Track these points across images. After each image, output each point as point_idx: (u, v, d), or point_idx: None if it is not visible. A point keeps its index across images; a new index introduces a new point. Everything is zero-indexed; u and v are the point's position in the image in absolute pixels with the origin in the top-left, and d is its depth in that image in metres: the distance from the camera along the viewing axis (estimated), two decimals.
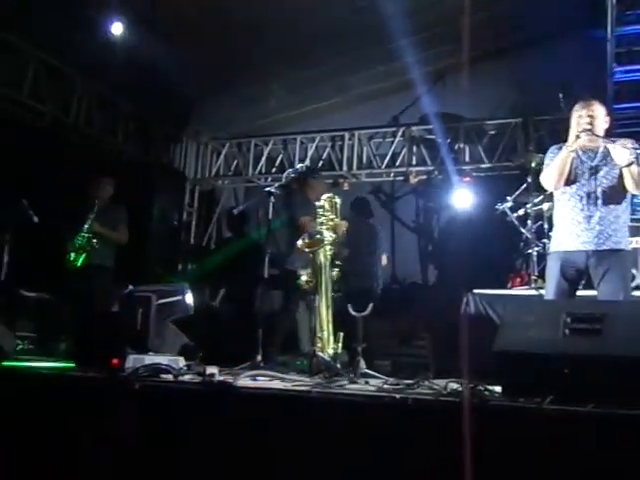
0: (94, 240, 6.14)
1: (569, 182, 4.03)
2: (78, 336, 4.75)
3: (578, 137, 3.95)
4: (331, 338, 4.74)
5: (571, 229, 4.00)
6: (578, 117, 4.05)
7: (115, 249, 6.45)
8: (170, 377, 3.73)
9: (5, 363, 4.76)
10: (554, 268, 4.06)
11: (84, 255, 6.13)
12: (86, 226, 6.14)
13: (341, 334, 4.76)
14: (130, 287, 4.70)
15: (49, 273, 6.28)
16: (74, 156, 7.38)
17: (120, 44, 6.38)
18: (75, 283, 6.07)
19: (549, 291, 4.10)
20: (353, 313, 4.80)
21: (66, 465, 3.37)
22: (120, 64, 6.76)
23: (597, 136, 3.97)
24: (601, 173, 3.99)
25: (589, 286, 4.08)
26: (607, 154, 3.97)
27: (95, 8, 6.19)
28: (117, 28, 6.29)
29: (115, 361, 3.85)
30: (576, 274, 4.02)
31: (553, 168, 4.05)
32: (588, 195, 3.96)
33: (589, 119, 3.99)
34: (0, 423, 3.54)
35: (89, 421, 3.40)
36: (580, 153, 4.02)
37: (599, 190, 3.95)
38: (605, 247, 3.91)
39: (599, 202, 3.93)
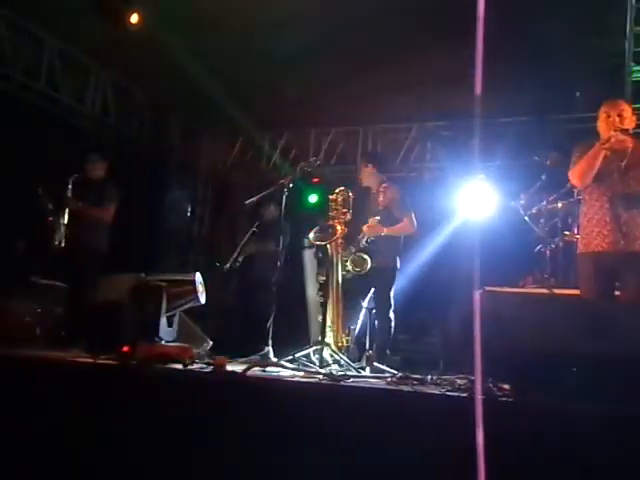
0: (70, 219, 5.99)
1: (596, 180, 3.98)
2: (89, 324, 4.79)
3: (610, 136, 3.89)
4: (341, 330, 4.75)
5: (599, 229, 3.96)
6: (606, 117, 4.00)
7: (104, 230, 6.26)
8: (180, 366, 3.76)
9: (21, 351, 4.81)
10: (586, 269, 4.02)
11: (64, 236, 5.99)
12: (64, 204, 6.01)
13: (351, 327, 4.77)
14: (142, 276, 4.72)
15: (60, 260, 6.29)
16: (89, 144, 7.41)
17: (137, 33, 6.37)
18: (63, 266, 6.02)
19: (585, 292, 4.03)
20: (364, 306, 4.80)
21: (77, 450, 3.40)
22: (137, 53, 6.78)
23: (629, 136, 3.92)
24: (630, 174, 3.95)
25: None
26: (637, 155, 3.92)
27: None
28: (135, 17, 6.29)
29: (126, 348, 3.88)
30: (608, 274, 3.96)
31: (583, 164, 3.99)
32: (616, 196, 3.92)
33: (619, 118, 3.95)
34: (6, 410, 3.58)
35: (101, 408, 3.43)
36: (609, 153, 3.97)
37: (627, 191, 3.90)
38: (632, 249, 3.86)
39: (627, 203, 3.88)
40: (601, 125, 4.04)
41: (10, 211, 5.96)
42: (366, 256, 4.97)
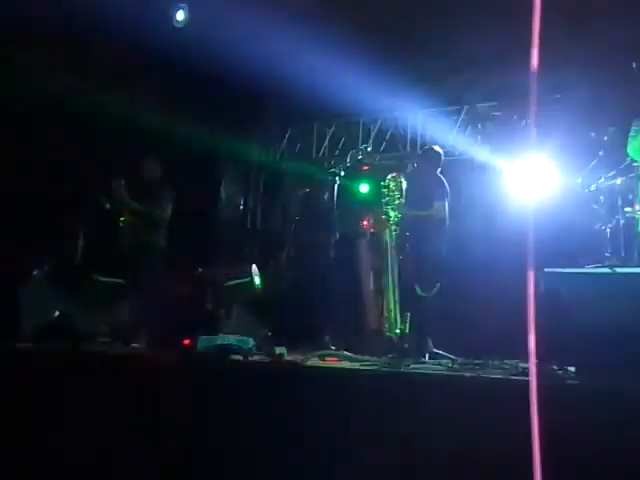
0: (132, 218, 6.16)
1: None
2: (149, 318, 4.90)
3: None
4: (398, 318, 4.73)
5: None
6: None
7: (161, 230, 6.38)
8: (240, 357, 3.80)
9: (83, 346, 4.96)
10: None
11: (129, 235, 6.19)
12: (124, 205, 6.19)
13: (408, 314, 4.74)
14: (200, 271, 4.79)
15: (121, 259, 6.44)
16: (142, 143, 7.54)
17: (184, 31, 6.45)
18: (128, 264, 6.19)
19: None
20: (420, 293, 4.77)
21: (134, 441, 3.48)
22: (185, 51, 6.85)
23: None
24: None
25: None
26: None
27: None
28: (180, 15, 6.36)
29: (187, 342, 3.94)
30: None
31: None
32: None
33: None
34: (75, 400, 3.69)
35: (163, 400, 3.50)
36: None
37: None
38: None
39: None
40: None
41: (70, 211, 6.11)
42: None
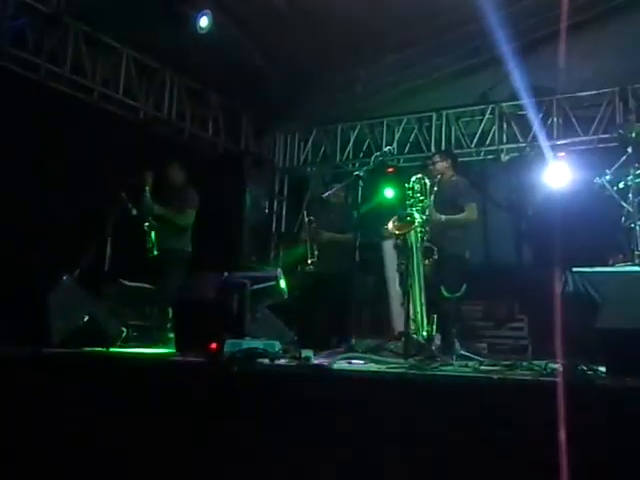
0: (154, 223, 6.26)
1: None
2: (177, 323, 4.93)
3: None
4: (424, 320, 4.71)
5: None
6: None
7: (186, 233, 6.49)
8: (266, 361, 3.80)
9: (111, 349, 5.01)
10: None
11: (154, 240, 6.25)
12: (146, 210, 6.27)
13: (434, 316, 4.71)
14: (226, 274, 4.81)
15: (147, 264, 6.51)
16: (167, 149, 7.62)
17: (208, 37, 6.50)
18: (153, 269, 6.26)
19: None
20: (446, 295, 4.74)
21: (165, 444, 3.50)
22: (209, 58, 6.91)
23: None
24: None
25: None
26: None
27: (183, 2, 6.34)
28: (204, 21, 6.41)
29: (214, 346, 3.95)
30: None
31: None
32: None
33: None
34: (104, 405, 3.72)
35: (189, 405, 3.52)
36: None
37: None
38: None
39: None
40: None
41: (95, 215, 6.18)
42: (433, 246, 4.97)
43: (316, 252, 6.18)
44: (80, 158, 6.46)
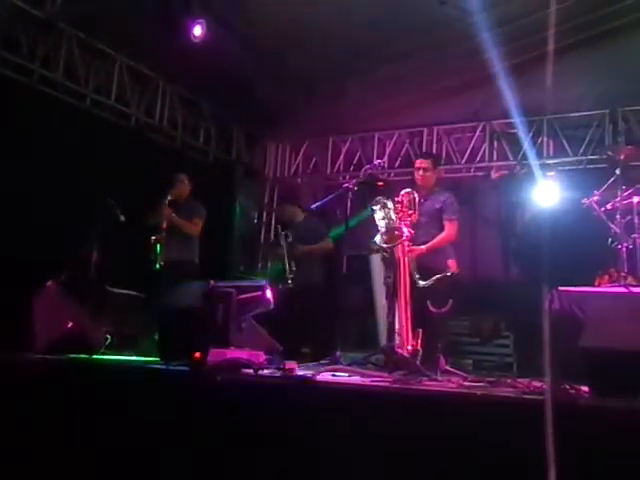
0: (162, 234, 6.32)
1: None
2: (161, 331, 4.91)
3: None
4: (410, 335, 4.70)
5: None
6: None
7: (194, 244, 6.55)
8: (250, 371, 3.79)
9: (95, 356, 4.97)
10: None
11: (159, 253, 6.30)
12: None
13: (420, 331, 4.71)
14: (212, 283, 4.79)
15: (135, 270, 6.48)
16: (158, 156, 7.61)
17: (201, 46, 6.51)
18: (159, 279, 6.25)
19: None
20: (432, 309, 4.74)
21: (147, 452, 3.47)
22: (201, 66, 6.92)
23: None
24: None
25: None
26: None
27: (177, 11, 6.36)
28: (198, 30, 6.43)
29: (197, 355, 3.94)
30: None
31: None
32: None
33: None
34: (87, 411, 3.69)
35: (172, 412, 3.49)
36: None
37: None
38: None
39: None
40: None
41: (86, 221, 6.14)
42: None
43: (294, 268, 6.17)
44: (70, 163, 6.43)
